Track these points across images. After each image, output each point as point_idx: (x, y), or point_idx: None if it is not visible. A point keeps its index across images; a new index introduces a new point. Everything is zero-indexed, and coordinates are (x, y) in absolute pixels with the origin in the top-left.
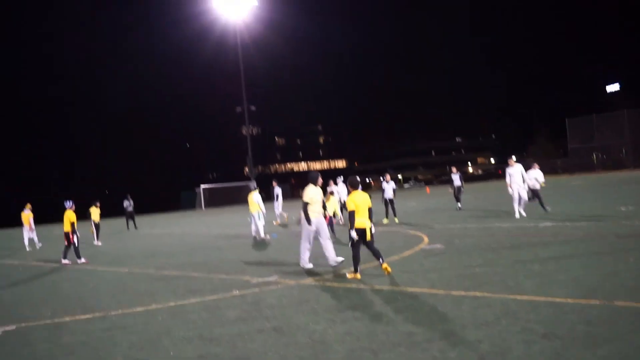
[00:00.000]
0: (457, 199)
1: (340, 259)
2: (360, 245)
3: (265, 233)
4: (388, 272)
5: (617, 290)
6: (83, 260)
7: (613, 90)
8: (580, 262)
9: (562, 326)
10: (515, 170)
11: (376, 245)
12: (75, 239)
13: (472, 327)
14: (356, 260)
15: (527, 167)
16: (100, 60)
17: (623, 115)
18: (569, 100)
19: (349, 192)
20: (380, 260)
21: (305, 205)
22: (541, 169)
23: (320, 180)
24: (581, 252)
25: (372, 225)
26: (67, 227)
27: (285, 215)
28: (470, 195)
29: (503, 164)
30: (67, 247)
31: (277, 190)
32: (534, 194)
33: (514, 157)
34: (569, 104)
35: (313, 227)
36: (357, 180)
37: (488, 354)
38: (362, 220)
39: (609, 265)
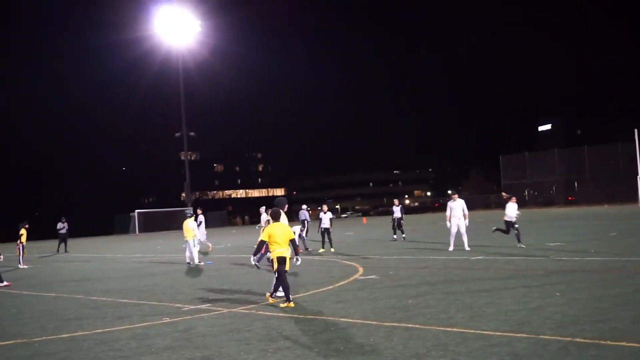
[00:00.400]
0: (397, 230)
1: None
2: (285, 273)
3: (199, 260)
4: (271, 302)
5: (543, 324)
6: (5, 283)
7: (544, 130)
8: (510, 296)
9: (489, 358)
10: (456, 205)
11: (311, 275)
12: None
13: (402, 358)
14: (286, 289)
15: (505, 202)
16: (35, 79)
17: (554, 154)
18: (503, 138)
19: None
20: (274, 291)
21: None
22: (475, 203)
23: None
24: (511, 286)
25: (295, 257)
26: None
27: (209, 244)
28: (407, 227)
29: (439, 197)
30: None
31: (201, 218)
32: (511, 226)
33: (456, 193)
34: (503, 142)
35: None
36: (278, 213)
37: None
38: (282, 250)
39: (537, 299)
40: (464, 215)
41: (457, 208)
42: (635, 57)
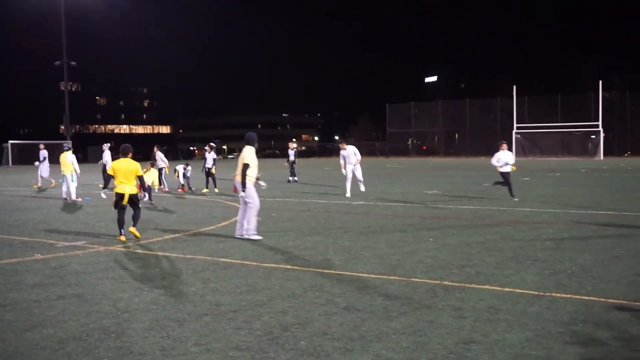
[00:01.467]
0: (292, 173)
1: (257, 237)
2: (123, 209)
3: (77, 196)
4: (137, 237)
5: (415, 268)
6: None
7: (431, 81)
8: (386, 240)
9: (362, 299)
10: (348, 152)
11: (193, 214)
12: None
13: (279, 298)
14: (120, 224)
15: (495, 149)
16: None
17: (437, 105)
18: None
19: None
20: (133, 223)
21: (246, 168)
22: (362, 151)
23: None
24: (388, 231)
25: (140, 192)
26: None
27: (52, 181)
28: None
29: (326, 142)
30: None
31: (44, 153)
32: (504, 178)
33: (343, 141)
34: (390, 91)
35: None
36: (127, 148)
37: (292, 325)
38: (122, 186)
39: (411, 244)
40: (357, 160)
41: (349, 155)
42: (519, 17)
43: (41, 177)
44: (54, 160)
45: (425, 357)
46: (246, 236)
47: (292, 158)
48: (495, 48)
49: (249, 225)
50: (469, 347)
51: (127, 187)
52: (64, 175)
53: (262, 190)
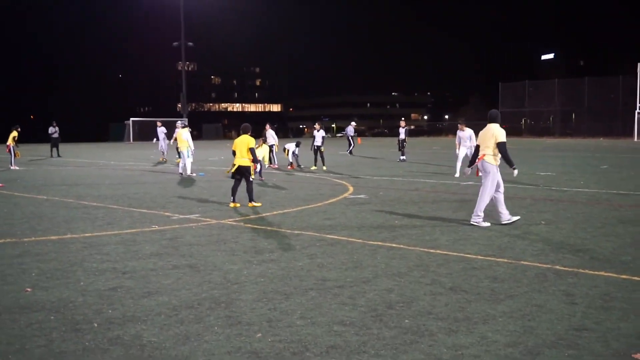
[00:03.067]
0: (401, 151)
1: (514, 218)
2: (237, 180)
3: (192, 171)
4: (257, 206)
5: (525, 250)
6: None
7: (547, 59)
8: (495, 222)
9: (469, 281)
10: (465, 134)
11: (301, 191)
12: None
13: (384, 276)
14: (232, 192)
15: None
16: None
17: (554, 84)
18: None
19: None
20: (249, 198)
21: (504, 147)
22: (472, 130)
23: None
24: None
25: (255, 165)
26: None
27: (165, 156)
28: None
29: (436, 122)
30: None
31: (163, 130)
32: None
33: (464, 123)
34: (504, 69)
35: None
36: (247, 127)
37: (396, 303)
38: (237, 159)
39: (522, 226)
40: (472, 145)
41: (465, 138)
42: None
43: (162, 152)
44: (170, 136)
45: (533, 341)
46: (504, 221)
47: (402, 136)
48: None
49: (478, 209)
50: (581, 334)
51: (240, 160)
52: (180, 152)
53: (368, 169)
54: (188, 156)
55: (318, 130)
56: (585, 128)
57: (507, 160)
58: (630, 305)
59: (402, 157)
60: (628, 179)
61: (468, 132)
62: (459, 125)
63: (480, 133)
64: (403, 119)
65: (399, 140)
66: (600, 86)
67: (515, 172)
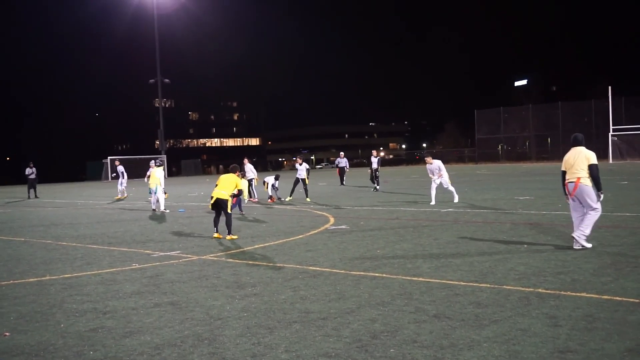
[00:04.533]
0: (374, 181)
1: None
2: (217, 212)
3: (165, 208)
4: (233, 239)
5: (507, 275)
6: None
7: (520, 85)
8: (476, 247)
9: (452, 307)
10: (433, 167)
11: (282, 224)
12: None
13: (368, 306)
14: (214, 223)
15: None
16: (10, 20)
17: (528, 110)
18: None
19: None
20: (227, 231)
21: (596, 170)
22: (450, 157)
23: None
24: (478, 238)
25: (233, 199)
26: None
27: (125, 193)
28: (380, 179)
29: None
30: None
31: (121, 169)
32: None
33: (429, 156)
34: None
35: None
36: (236, 167)
37: (380, 333)
38: (215, 192)
39: (502, 251)
40: (439, 176)
41: (434, 170)
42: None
43: (120, 190)
44: (137, 174)
45: None
46: (579, 241)
47: (374, 166)
48: (587, 48)
49: (585, 231)
50: (565, 356)
51: (218, 194)
52: (150, 189)
53: (349, 199)
54: (160, 192)
55: (300, 164)
56: (561, 152)
57: (597, 182)
58: (613, 325)
59: (377, 187)
60: (605, 201)
61: (436, 163)
62: (425, 159)
63: (568, 157)
64: (374, 149)
65: (371, 170)
66: (573, 110)
67: (602, 196)
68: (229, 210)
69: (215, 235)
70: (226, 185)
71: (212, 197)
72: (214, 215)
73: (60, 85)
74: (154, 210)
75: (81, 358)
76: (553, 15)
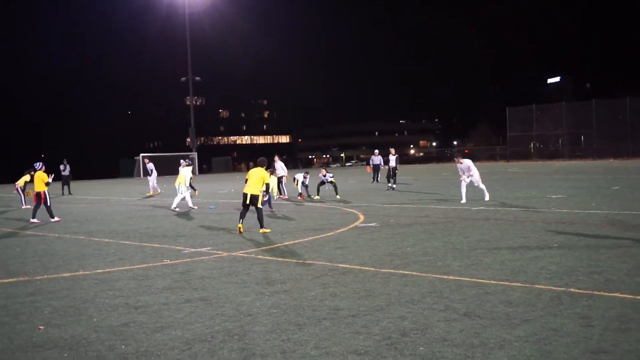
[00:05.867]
0: (390, 179)
1: None
2: (245, 207)
3: (194, 204)
4: (267, 232)
5: (539, 274)
6: (56, 218)
7: (553, 82)
8: (508, 246)
9: (483, 306)
10: (464, 167)
11: (312, 221)
12: (47, 199)
13: (398, 304)
14: (240, 216)
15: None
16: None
17: (561, 107)
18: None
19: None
20: (259, 225)
21: None
22: (481, 155)
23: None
24: (509, 236)
25: (263, 194)
26: (39, 187)
27: (158, 189)
28: (409, 177)
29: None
30: (38, 206)
31: (151, 166)
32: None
33: (459, 155)
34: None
35: None
36: (264, 160)
37: (410, 331)
38: (247, 188)
39: (534, 249)
40: (469, 175)
41: (464, 169)
42: None
43: (152, 187)
44: (169, 171)
45: None
46: None
47: (392, 164)
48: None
49: None
50: (598, 357)
51: (250, 189)
52: (176, 186)
53: (378, 197)
54: (179, 192)
55: (324, 175)
56: (594, 150)
57: None
58: None
59: (393, 185)
60: (637, 200)
61: (466, 163)
62: (454, 159)
63: None
64: (392, 148)
65: (389, 168)
66: (607, 108)
67: None
68: (259, 205)
69: (239, 225)
70: (256, 180)
71: (244, 195)
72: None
73: (95, 84)
74: (191, 208)
75: (113, 352)
76: (588, 11)
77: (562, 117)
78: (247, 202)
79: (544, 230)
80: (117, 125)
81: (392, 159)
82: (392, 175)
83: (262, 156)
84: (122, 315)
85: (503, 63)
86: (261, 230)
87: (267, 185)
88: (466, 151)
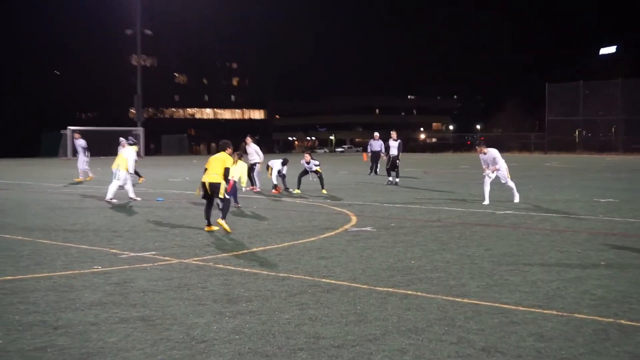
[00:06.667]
0: (391, 171)
1: None
2: (208, 199)
3: (136, 195)
4: (227, 231)
5: (581, 300)
6: None
7: (607, 53)
8: (541, 262)
9: (507, 339)
10: (487, 157)
11: (290, 222)
12: None
13: (397, 333)
14: (206, 215)
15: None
16: None
17: (617, 86)
18: (553, 60)
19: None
20: (221, 215)
21: None
22: (511, 144)
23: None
24: (544, 250)
25: (225, 182)
26: None
27: (90, 174)
28: (418, 169)
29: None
30: None
31: (81, 143)
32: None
33: (483, 144)
34: (551, 64)
35: None
36: (227, 143)
37: None
38: (205, 176)
39: (575, 268)
40: (498, 168)
41: (488, 161)
42: None
43: (82, 170)
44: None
45: None
46: None
47: (394, 152)
48: None
49: None
50: None
51: (208, 177)
52: (113, 169)
53: (376, 193)
54: (117, 178)
55: (308, 162)
56: None
57: None
58: None
59: (395, 179)
60: None
61: (491, 154)
62: (477, 148)
63: None
64: (393, 131)
65: (389, 157)
66: None
67: None
68: (224, 196)
69: (208, 228)
70: (217, 166)
71: (202, 185)
72: (201, 206)
73: (10, 32)
74: (132, 199)
75: None
76: None
77: (617, 98)
78: (208, 192)
79: (589, 243)
80: (38, 88)
81: (394, 145)
82: (394, 166)
83: (229, 136)
84: (36, 337)
85: (540, 24)
86: (219, 221)
87: (227, 170)
88: (481, 138)
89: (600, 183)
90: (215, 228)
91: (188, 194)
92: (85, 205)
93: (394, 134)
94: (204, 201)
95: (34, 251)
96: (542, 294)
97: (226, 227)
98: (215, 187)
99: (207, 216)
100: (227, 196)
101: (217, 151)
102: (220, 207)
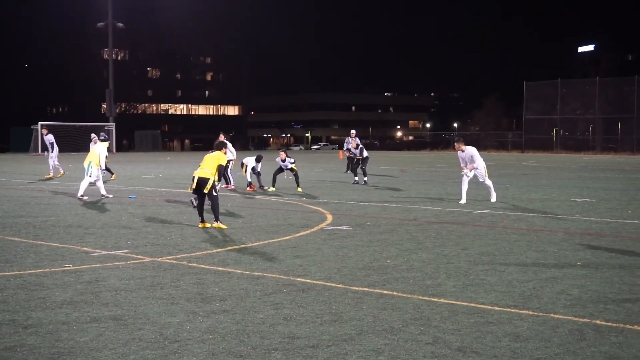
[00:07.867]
0: (358, 171)
1: None
2: (200, 197)
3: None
4: (222, 229)
5: (556, 300)
6: None
7: (585, 51)
8: (517, 262)
9: (482, 339)
10: (465, 155)
11: (264, 220)
12: None
13: (372, 333)
14: (199, 211)
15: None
16: None
17: (594, 84)
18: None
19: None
20: (215, 219)
21: None
22: (488, 142)
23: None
24: (520, 250)
25: (213, 179)
26: None
27: (61, 170)
28: (394, 167)
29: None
30: None
31: (51, 138)
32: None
33: (461, 141)
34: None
35: None
36: (223, 143)
37: None
38: (197, 172)
39: (551, 268)
40: (472, 167)
41: (466, 159)
42: None
43: (52, 166)
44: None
45: None
46: None
47: (358, 154)
48: None
49: None
50: None
51: (200, 172)
52: (85, 166)
53: (353, 192)
54: (89, 175)
55: (284, 160)
56: (635, 141)
57: None
58: None
59: (363, 179)
60: None
61: (469, 151)
62: (455, 145)
63: None
64: (354, 130)
65: (352, 155)
66: None
67: None
68: (209, 191)
69: (201, 225)
70: (210, 163)
71: (193, 179)
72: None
73: None
74: (104, 196)
75: None
76: None
77: (594, 97)
78: (197, 189)
79: (566, 243)
80: (7, 81)
81: (355, 152)
82: (361, 165)
83: (202, 131)
84: (5, 337)
85: (519, 22)
86: (215, 224)
87: (220, 167)
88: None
89: (577, 182)
90: (208, 225)
91: (161, 191)
92: (56, 202)
93: (353, 133)
94: (177, 199)
95: (3, 249)
96: (518, 294)
97: (222, 226)
98: (203, 181)
99: (200, 213)
100: (214, 193)
101: (214, 150)
102: (211, 206)
